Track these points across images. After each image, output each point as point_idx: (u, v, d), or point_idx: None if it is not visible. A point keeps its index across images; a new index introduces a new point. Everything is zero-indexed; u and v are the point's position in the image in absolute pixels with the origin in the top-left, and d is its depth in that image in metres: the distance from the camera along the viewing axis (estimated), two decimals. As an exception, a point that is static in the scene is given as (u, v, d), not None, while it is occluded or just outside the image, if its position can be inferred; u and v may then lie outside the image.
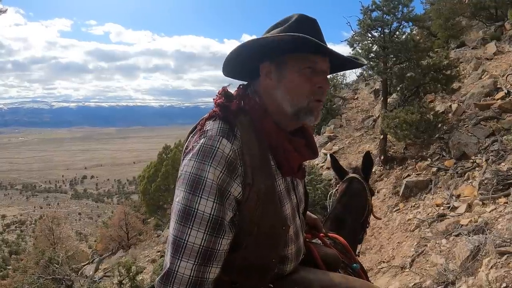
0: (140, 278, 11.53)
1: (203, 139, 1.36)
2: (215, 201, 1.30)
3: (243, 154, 1.37)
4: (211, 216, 1.30)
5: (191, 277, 1.28)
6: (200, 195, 1.30)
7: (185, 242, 1.29)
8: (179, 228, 1.30)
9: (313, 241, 2.13)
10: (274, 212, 1.47)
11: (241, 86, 1.61)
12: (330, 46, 1.49)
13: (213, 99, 1.53)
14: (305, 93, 1.47)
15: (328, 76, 1.58)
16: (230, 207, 1.35)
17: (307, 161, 1.66)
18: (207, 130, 1.39)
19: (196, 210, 1.29)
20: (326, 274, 1.80)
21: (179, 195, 1.34)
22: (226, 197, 1.33)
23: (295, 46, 1.42)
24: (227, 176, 1.33)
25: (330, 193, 3.02)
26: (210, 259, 1.31)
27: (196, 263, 1.29)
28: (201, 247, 1.29)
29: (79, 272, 17.49)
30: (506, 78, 9.92)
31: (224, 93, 1.53)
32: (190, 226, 1.29)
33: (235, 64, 1.59)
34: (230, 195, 1.34)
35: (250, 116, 1.47)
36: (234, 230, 1.38)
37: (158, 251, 16.52)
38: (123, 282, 10.87)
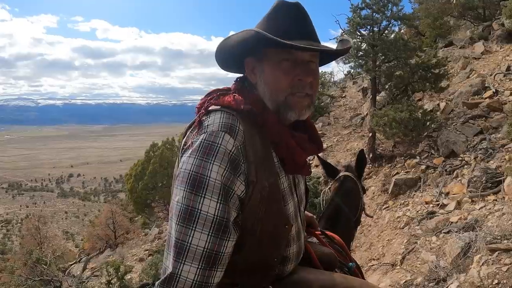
0: (129, 277, 11.45)
1: (203, 135, 1.29)
2: (219, 201, 1.24)
3: (246, 150, 1.31)
4: (215, 217, 1.23)
5: (194, 282, 1.21)
6: (203, 195, 1.23)
7: (189, 244, 1.21)
8: (181, 230, 1.23)
9: (309, 239, 2.10)
10: (277, 211, 1.42)
11: (238, 79, 1.56)
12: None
13: (209, 97, 1.48)
14: (283, 88, 1.41)
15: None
16: (234, 207, 1.29)
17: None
18: (207, 125, 1.32)
19: (199, 211, 1.22)
20: (325, 274, 1.76)
21: (178, 195, 1.26)
22: (231, 196, 1.27)
23: (255, 42, 1.39)
24: (231, 173, 1.26)
25: (323, 191, 3.01)
26: (215, 263, 1.24)
27: (200, 267, 1.21)
28: (205, 250, 1.22)
29: (67, 272, 17.34)
30: (494, 77, 10.01)
31: (219, 90, 1.50)
32: (193, 228, 1.22)
33: (227, 59, 1.56)
34: (234, 194, 1.28)
35: (251, 110, 1.40)
36: (238, 231, 1.32)
37: (146, 250, 16.44)
38: (111, 281, 10.78)
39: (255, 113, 1.40)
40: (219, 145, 1.27)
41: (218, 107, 1.40)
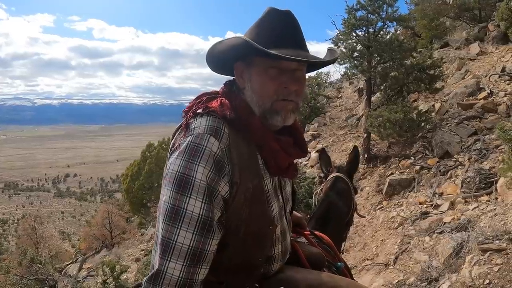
0: (124, 277, 11.44)
1: (189, 137, 1.33)
2: (204, 201, 1.28)
3: (230, 152, 1.34)
4: (200, 216, 1.27)
5: (180, 278, 1.25)
6: (188, 195, 1.27)
7: (174, 242, 1.26)
8: (167, 228, 1.27)
9: (298, 239, 2.12)
10: (261, 212, 1.46)
11: (227, 82, 1.58)
12: (314, 44, 1.44)
13: (197, 100, 1.50)
14: (269, 94, 1.43)
15: (312, 74, 1.53)
16: (218, 207, 1.33)
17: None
18: (194, 128, 1.36)
19: (184, 210, 1.26)
20: (312, 273, 1.78)
21: (165, 194, 1.31)
22: (215, 197, 1.31)
23: (244, 49, 1.41)
24: (215, 175, 1.30)
25: (314, 192, 3.02)
26: (200, 260, 1.28)
27: (185, 264, 1.26)
28: (190, 248, 1.26)
29: (63, 272, 17.31)
30: (489, 78, 10.05)
31: (207, 93, 1.53)
32: (179, 227, 1.26)
33: (217, 62, 1.58)
34: (218, 194, 1.32)
35: (237, 114, 1.42)
36: (222, 230, 1.36)
37: (142, 250, 16.43)
38: (107, 281, 10.78)
39: (241, 117, 1.43)
40: (204, 147, 1.30)
41: (205, 110, 1.42)
